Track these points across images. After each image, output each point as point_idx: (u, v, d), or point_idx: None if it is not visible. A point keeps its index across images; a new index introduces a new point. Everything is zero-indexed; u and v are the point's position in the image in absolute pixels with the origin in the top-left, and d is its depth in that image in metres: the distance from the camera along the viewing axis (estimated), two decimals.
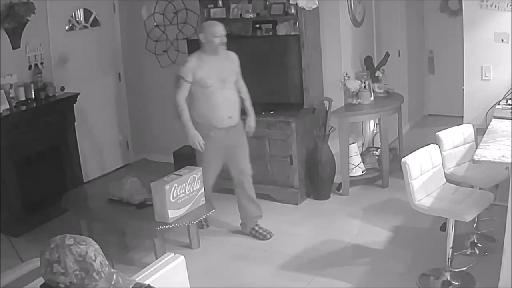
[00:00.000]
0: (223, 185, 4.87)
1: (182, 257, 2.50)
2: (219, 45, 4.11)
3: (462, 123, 4.10)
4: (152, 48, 6.16)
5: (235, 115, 4.22)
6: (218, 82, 4.11)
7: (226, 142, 4.22)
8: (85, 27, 5.91)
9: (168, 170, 4.38)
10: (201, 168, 4.11)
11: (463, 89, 4.64)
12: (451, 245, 3.44)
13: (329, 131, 5.00)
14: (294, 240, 4.35)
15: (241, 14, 5.28)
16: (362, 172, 5.30)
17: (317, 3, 4.86)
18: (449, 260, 3.47)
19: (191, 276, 2.55)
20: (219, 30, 4.11)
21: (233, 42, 5.53)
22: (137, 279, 2.09)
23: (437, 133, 3.76)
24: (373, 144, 5.81)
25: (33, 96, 5.02)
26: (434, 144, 3.56)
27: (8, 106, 4.76)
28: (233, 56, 4.29)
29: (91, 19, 5.94)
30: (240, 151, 4.33)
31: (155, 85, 6.28)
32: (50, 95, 5.17)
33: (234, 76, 4.26)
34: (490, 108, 4.35)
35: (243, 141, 4.35)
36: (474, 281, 3.49)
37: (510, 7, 4.23)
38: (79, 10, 5.83)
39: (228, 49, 4.21)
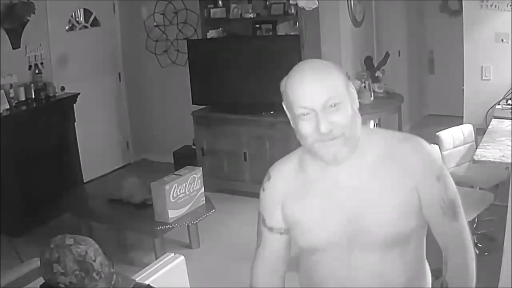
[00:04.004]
0: (223, 185, 4.88)
1: (182, 257, 2.50)
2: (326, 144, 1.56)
3: (462, 123, 4.10)
4: (152, 48, 6.16)
5: None
6: (342, 240, 1.57)
7: None
8: (85, 27, 5.91)
9: (168, 170, 4.38)
10: (200, 168, 4.10)
11: (463, 89, 4.64)
12: None
13: None
14: None
15: (241, 14, 5.28)
16: None
17: (317, 3, 4.86)
18: None
19: (191, 276, 2.55)
20: (312, 96, 1.51)
21: (233, 42, 5.56)
22: (137, 279, 2.09)
23: (437, 133, 3.76)
24: None
25: (33, 96, 5.02)
26: (434, 144, 3.55)
27: (8, 106, 4.76)
28: (412, 158, 1.54)
29: (91, 19, 5.94)
30: None
31: (155, 85, 6.27)
32: (50, 95, 5.17)
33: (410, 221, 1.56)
34: (490, 108, 4.35)
35: None
36: None
37: (510, 7, 4.23)
38: (79, 10, 5.83)
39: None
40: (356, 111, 1.50)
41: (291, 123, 1.53)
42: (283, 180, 1.62)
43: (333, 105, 1.43)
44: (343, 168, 1.52)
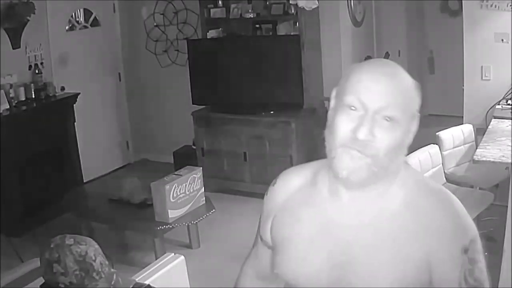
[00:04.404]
0: (223, 185, 4.88)
1: (182, 257, 2.50)
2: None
3: (462, 123, 4.10)
4: (152, 48, 6.16)
5: None
6: (323, 284, 1.29)
7: None
8: (85, 27, 5.91)
9: (168, 170, 4.38)
10: (200, 168, 4.10)
11: (463, 89, 4.64)
12: None
13: None
14: None
15: (241, 14, 5.28)
16: None
17: (317, 3, 4.86)
18: None
19: (191, 276, 2.55)
20: (374, 93, 1.24)
21: (233, 42, 5.56)
22: (137, 279, 2.09)
23: (437, 133, 3.76)
24: None
25: (33, 96, 5.02)
26: (434, 144, 3.55)
27: (8, 106, 4.76)
28: (436, 216, 1.22)
29: (91, 19, 5.94)
30: None
31: (155, 85, 6.27)
32: (50, 95, 5.17)
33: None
34: (490, 108, 4.35)
35: None
36: None
37: (510, 7, 4.23)
38: (79, 10, 5.83)
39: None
40: (404, 145, 1.23)
41: (328, 114, 1.26)
42: (286, 190, 1.38)
43: (388, 119, 1.17)
44: (352, 199, 1.23)
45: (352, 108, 1.18)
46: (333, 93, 1.27)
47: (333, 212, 1.26)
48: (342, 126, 1.19)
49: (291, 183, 1.38)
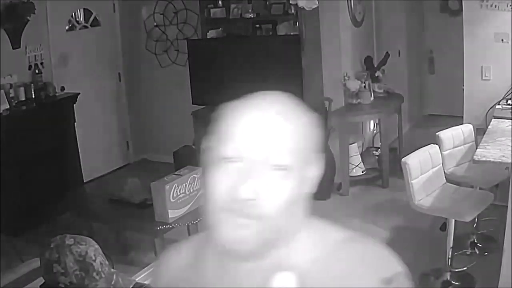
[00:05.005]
0: None
1: None
2: None
3: (462, 123, 4.10)
4: (152, 48, 6.16)
5: None
6: None
7: None
8: (85, 27, 5.91)
9: (168, 170, 4.37)
10: (201, 168, 4.09)
11: (463, 89, 4.64)
12: (451, 245, 3.43)
13: (329, 131, 5.00)
14: None
15: (241, 14, 5.28)
16: (362, 172, 5.30)
17: (317, 3, 4.86)
18: (449, 260, 3.46)
19: None
20: (253, 138, 1.03)
21: (233, 42, 5.56)
22: (137, 279, 2.09)
23: (437, 133, 3.76)
24: (373, 144, 5.81)
25: (33, 96, 5.02)
26: (434, 144, 3.55)
27: (8, 106, 4.76)
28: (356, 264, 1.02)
29: (91, 19, 5.94)
30: None
31: (155, 85, 6.27)
32: (50, 95, 5.17)
33: None
34: (490, 108, 4.35)
35: None
36: (474, 281, 3.49)
37: (510, 7, 4.23)
38: (79, 10, 5.83)
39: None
40: (302, 196, 0.98)
41: (203, 169, 1.03)
42: (168, 274, 1.13)
43: (277, 168, 0.92)
44: (245, 274, 0.98)
45: (232, 160, 0.94)
46: (208, 143, 1.02)
47: None
48: (220, 184, 0.94)
49: (171, 265, 1.14)
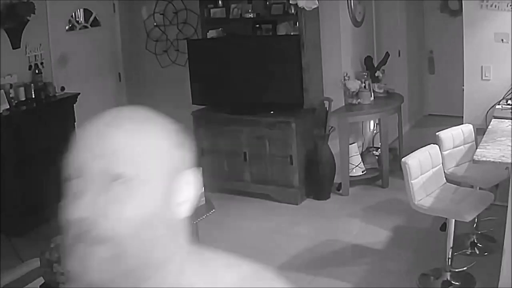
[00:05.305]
0: (223, 185, 4.88)
1: None
2: None
3: (462, 123, 4.10)
4: (152, 48, 6.16)
5: None
6: None
7: None
8: (85, 27, 5.91)
9: None
10: (201, 168, 4.09)
11: (463, 89, 4.64)
12: (451, 245, 3.43)
13: (329, 131, 5.00)
14: (294, 240, 4.35)
15: (241, 14, 5.28)
16: (362, 172, 5.30)
17: (317, 3, 4.86)
18: (449, 260, 3.46)
19: None
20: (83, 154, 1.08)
21: (233, 42, 5.56)
22: None
23: (437, 133, 3.76)
24: (373, 144, 5.81)
25: (33, 96, 5.02)
26: (434, 144, 3.55)
27: (8, 106, 4.76)
28: None
29: (91, 19, 5.94)
30: None
31: (155, 85, 6.27)
32: (50, 95, 5.17)
33: None
34: (490, 108, 4.35)
35: None
36: (474, 281, 3.49)
37: (510, 7, 4.23)
38: (79, 10, 5.83)
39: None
40: (169, 216, 0.86)
41: None
42: None
43: (120, 177, 0.83)
44: None
45: (71, 178, 0.95)
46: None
47: None
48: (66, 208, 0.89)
49: None
